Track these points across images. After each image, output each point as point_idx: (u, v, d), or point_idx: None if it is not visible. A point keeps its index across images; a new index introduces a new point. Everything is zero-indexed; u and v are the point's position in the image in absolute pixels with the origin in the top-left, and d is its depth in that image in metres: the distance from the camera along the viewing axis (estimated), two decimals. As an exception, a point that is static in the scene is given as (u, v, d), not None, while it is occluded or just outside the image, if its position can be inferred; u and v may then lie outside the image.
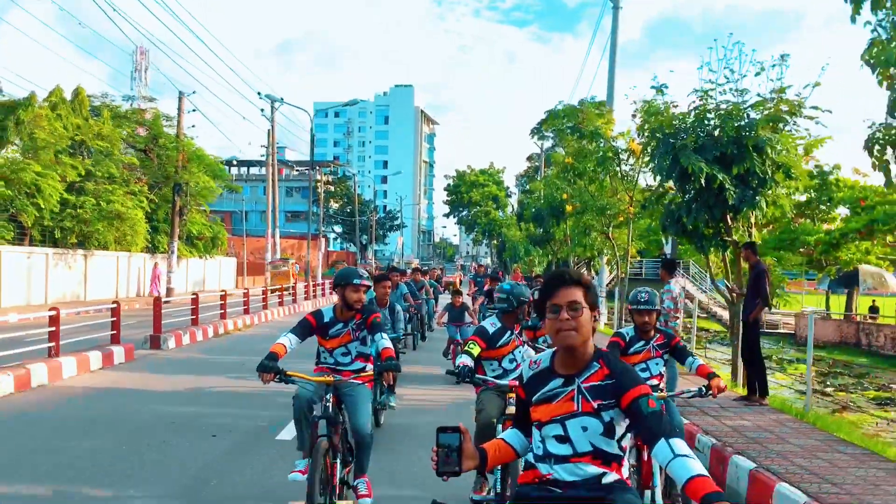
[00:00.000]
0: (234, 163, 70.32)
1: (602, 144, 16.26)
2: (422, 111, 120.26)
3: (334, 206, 68.99)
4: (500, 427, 4.57)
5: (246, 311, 19.80)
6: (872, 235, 26.48)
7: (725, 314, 19.97)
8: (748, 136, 8.95)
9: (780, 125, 9.18)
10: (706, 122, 9.56)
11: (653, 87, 10.90)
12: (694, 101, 9.72)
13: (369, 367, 4.90)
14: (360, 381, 4.75)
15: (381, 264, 59.01)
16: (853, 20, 6.50)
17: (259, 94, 35.03)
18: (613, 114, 17.73)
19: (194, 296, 16.49)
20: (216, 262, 38.25)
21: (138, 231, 29.26)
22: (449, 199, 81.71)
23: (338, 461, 4.47)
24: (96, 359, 11.05)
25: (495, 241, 71.28)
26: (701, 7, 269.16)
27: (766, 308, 9.30)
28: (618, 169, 16.41)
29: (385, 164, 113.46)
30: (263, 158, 48.08)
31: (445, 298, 16.40)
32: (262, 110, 35.43)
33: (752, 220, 9.83)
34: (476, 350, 4.73)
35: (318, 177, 48.32)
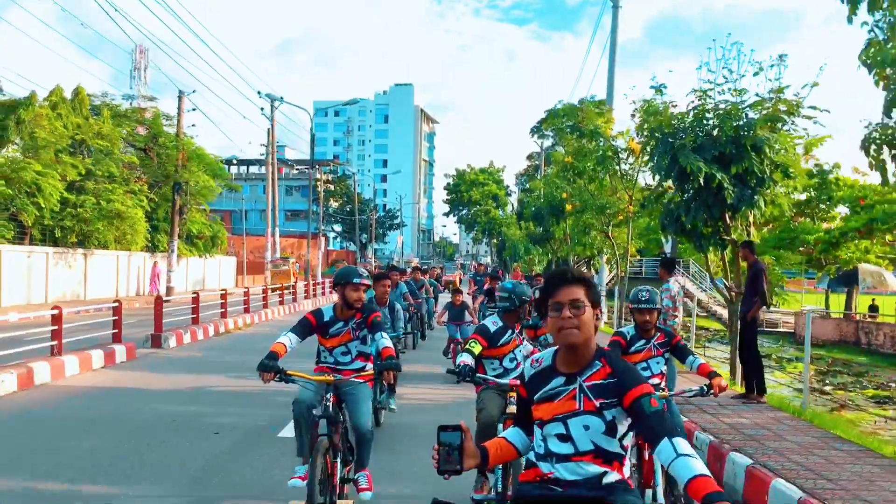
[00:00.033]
0: (234, 162, 70.37)
1: (602, 143, 16.30)
2: (422, 110, 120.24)
3: (334, 204, 69.01)
4: (500, 426, 4.57)
5: (246, 311, 19.85)
6: (872, 234, 26.54)
7: (725, 313, 20.01)
8: (746, 135, 9.00)
9: (779, 125, 9.22)
10: (705, 121, 9.59)
11: (652, 86, 10.94)
12: (693, 101, 9.76)
13: (369, 366, 4.91)
14: (361, 380, 4.75)
15: (380, 263, 59.09)
16: (850, 21, 6.55)
17: (259, 93, 35.00)
18: (613, 113, 17.74)
19: (195, 295, 16.54)
20: (216, 261, 38.29)
21: (138, 230, 29.31)
22: (449, 197, 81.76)
23: (338, 460, 4.47)
24: (98, 357, 11.10)
25: (495, 240, 71.28)
26: (701, 6, 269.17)
27: (765, 306, 9.33)
28: (617, 168, 16.46)
29: (385, 162, 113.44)
30: (263, 157, 48.08)
31: (445, 297, 16.46)
32: (262, 109, 35.43)
33: (751, 219, 9.88)
34: (477, 348, 4.74)
35: (318, 176, 48.35)
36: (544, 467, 2.37)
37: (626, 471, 2.38)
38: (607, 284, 23.89)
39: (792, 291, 34.22)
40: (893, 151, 6.69)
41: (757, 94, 9.40)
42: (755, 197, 9.10)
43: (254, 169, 74.49)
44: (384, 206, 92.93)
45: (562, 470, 2.33)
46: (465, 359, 4.53)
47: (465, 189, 78.19)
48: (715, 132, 9.33)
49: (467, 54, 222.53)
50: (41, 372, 9.59)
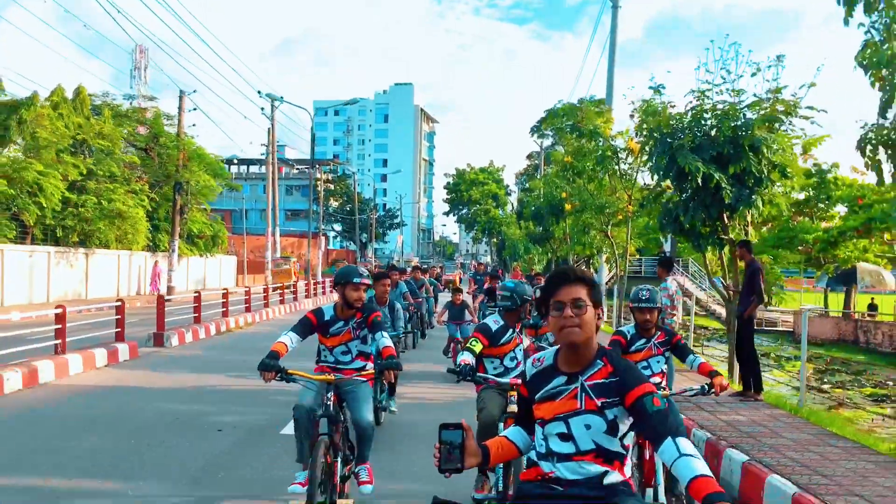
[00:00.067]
0: (235, 161, 70.44)
1: (601, 143, 16.35)
2: (421, 109, 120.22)
3: (334, 204, 69.04)
4: (501, 425, 4.58)
5: (247, 310, 19.93)
6: (870, 233, 26.60)
7: (724, 312, 20.07)
8: (744, 135, 9.06)
9: (776, 125, 9.29)
10: (703, 121, 9.66)
11: (651, 87, 11.01)
12: (691, 102, 9.83)
13: (370, 365, 4.93)
14: (362, 379, 4.77)
15: (380, 262, 59.14)
16: (846, 22, 6.62)
17: (259, 92, 35.05)
18: (612, 113, 17.80)
19: (196, 294, 16.62)
20: (216, 260, 38.37)
21: (139, 230, 29.39)
22: (449, 197, 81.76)
23: (338, 460, 4.48)
24: (102, 356, 11.17)
25: (495, 240, 71.31)
26: (700, 6, 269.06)
27: (762, 305, 9.40)
28: (616, 168, 16.52)
29: (385, 162, 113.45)
30: (263, 157, 48.12)
31: (445, 297, 16.52)
32: (262, 109, 35.47)
33: (749, 218, 9.94)
34: (478, 347, 4.76)
35: (318, 175, 48.37)
36: (545, 466, 2.38)
37: (628, 470, 2.38)
38: (607, 283, 23.96)
39: (791, 290, 34.31)
40: (889, 152, 6.76)
41: (755, 95, 9.48)
42: (753, 197, 9.17)
43: (254, 168, 74.56)
44: (384, 205, 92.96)
45: (563, 469, 2.34)
46: (466, 357, 4.53)
47: (464, 188, 78.19)
48: (713, 132, 9.40)
49: (467, 54, 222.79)
50: (45, 370, 9.66)
